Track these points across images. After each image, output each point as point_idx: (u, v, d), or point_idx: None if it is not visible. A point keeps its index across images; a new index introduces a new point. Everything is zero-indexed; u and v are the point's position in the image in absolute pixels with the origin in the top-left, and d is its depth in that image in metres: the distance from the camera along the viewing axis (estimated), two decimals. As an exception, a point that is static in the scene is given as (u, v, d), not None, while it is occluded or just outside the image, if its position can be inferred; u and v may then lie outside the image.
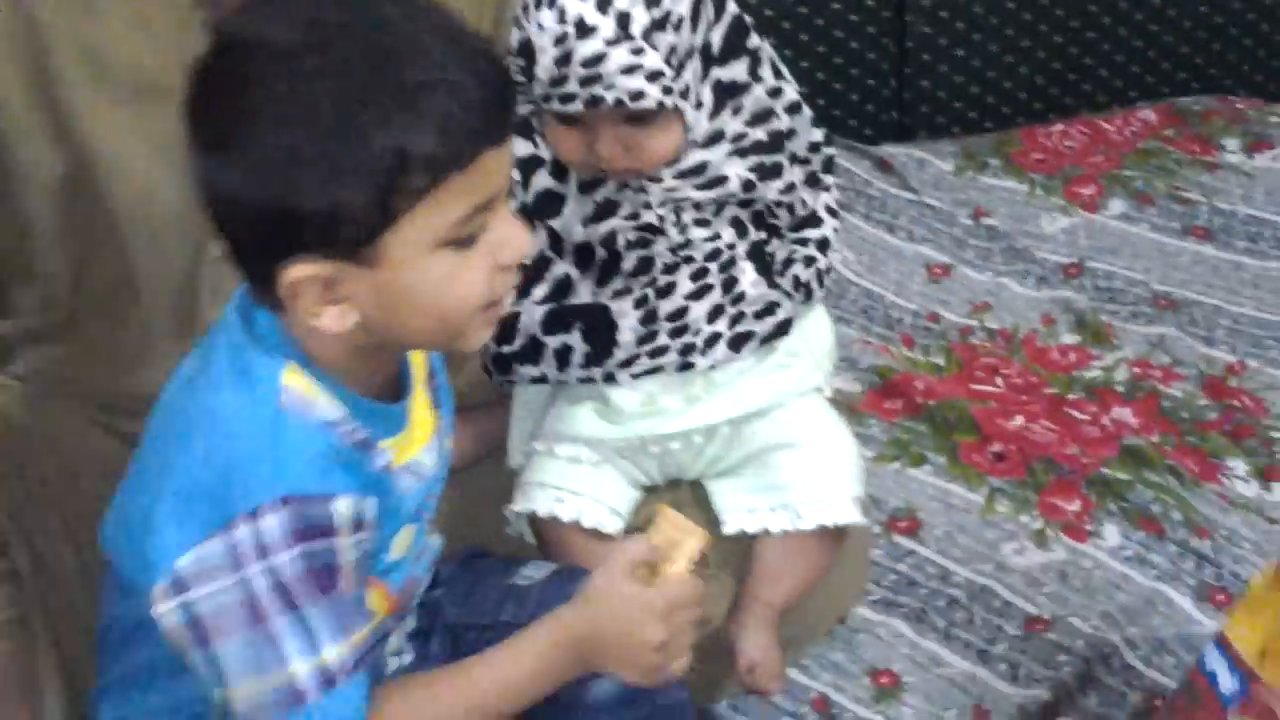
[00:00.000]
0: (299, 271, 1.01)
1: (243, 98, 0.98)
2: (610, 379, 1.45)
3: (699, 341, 1.44)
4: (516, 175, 1.41)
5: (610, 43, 1.30)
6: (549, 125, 1.37)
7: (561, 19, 1.29)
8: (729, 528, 1.53)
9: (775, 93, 1.43)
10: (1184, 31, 2.79)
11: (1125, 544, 1.80)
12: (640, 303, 1.43)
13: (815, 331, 1.57)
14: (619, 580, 1.16)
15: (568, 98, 1.31)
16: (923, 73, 2.72)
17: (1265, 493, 1.89)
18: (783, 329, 1.49)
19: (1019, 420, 2.00)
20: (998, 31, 2.72)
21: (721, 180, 1.41)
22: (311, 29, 0.99)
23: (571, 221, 1.41)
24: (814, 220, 1.51)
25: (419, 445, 1.17)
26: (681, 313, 1.43)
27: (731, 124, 1.41)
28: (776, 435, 1.49)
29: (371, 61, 0.97)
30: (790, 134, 1.46)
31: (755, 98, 1.42)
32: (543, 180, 1.41)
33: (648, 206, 1.40)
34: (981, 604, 1.74)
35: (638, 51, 1.30)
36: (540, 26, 1.30)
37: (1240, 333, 2.18)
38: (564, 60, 1.29)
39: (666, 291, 1.43)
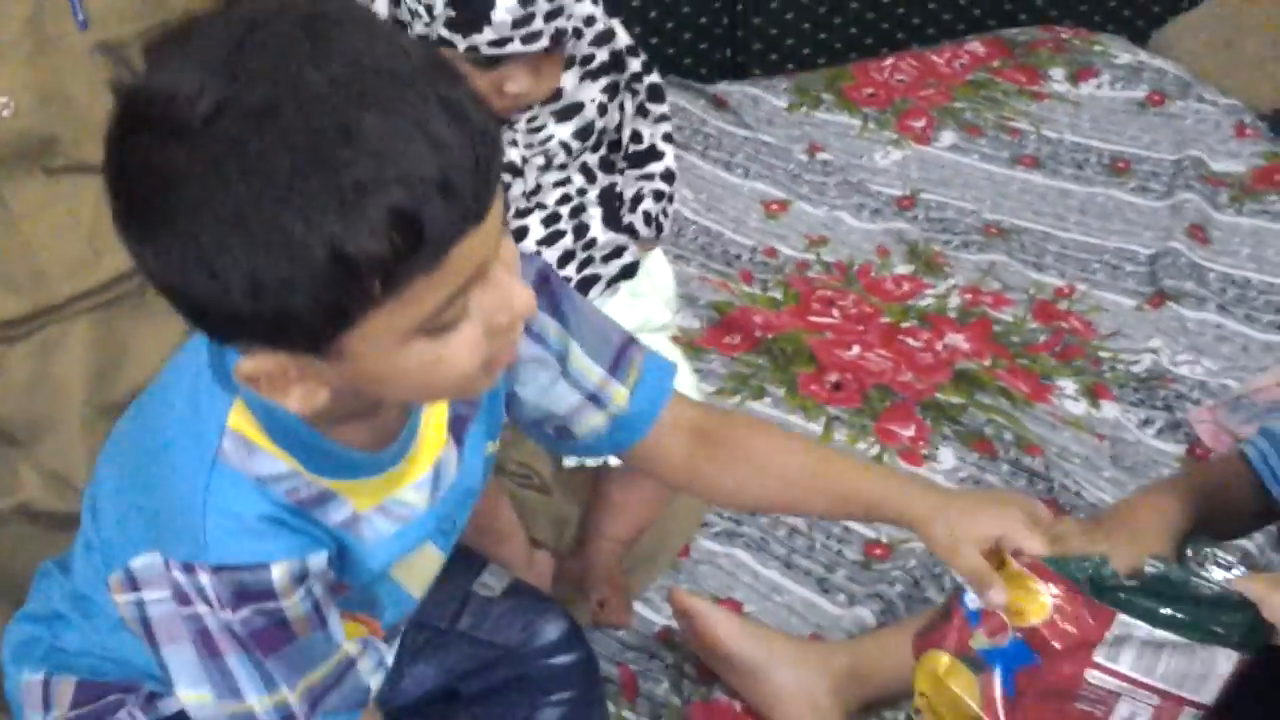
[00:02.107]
0: (253, 366, 0.90)
1: (160, 180, 0.83)
2: None
3: None
4: None
5: None
6: None
7: None
8: (570, 460, 1.54)
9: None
10: (1009, -36, 2.83)
11: (960, 465, 1.84)
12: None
13: (659, 273, 1.60)
14: None
15: (532, 36, 1.30)
16: (755, 9, 2.73)
17: (1094, 410, 1.94)
18: (628, 272, 1.52)
19: (855, 350, 2.03)
20: (828, -33, 2.74)
21: (579, 108, 1.42)
22: (232, 90, 0.82)
23: None
24: (654, 153, 1.54)
25: (404, 483, 1.07)
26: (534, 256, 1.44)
27: (579, 47, 1.42)
28: None
29: (306, 140, 0.81)
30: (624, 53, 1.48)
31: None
32: None
33: (513, 144, 1.40)
34: (821, 531, 1.76)
35: None
36: None
37: (1068, 257, 2.22)
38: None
39: (519, 236, 1.44)
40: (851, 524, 1.76)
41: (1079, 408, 1.94)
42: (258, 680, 1.03)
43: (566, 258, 1.47)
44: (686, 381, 1.57)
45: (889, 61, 2.67)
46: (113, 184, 0.87)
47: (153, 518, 1.02)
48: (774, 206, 2.36)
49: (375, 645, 1.12)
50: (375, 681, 1.11)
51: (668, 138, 1.55)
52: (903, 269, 2.20)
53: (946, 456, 1.86)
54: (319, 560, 1.02)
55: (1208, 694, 1.13)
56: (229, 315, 0.85)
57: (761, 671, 1.45)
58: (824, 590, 1.69)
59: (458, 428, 1.11)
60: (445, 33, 1.31)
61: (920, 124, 2.53)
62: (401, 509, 1.08)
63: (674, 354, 1.59)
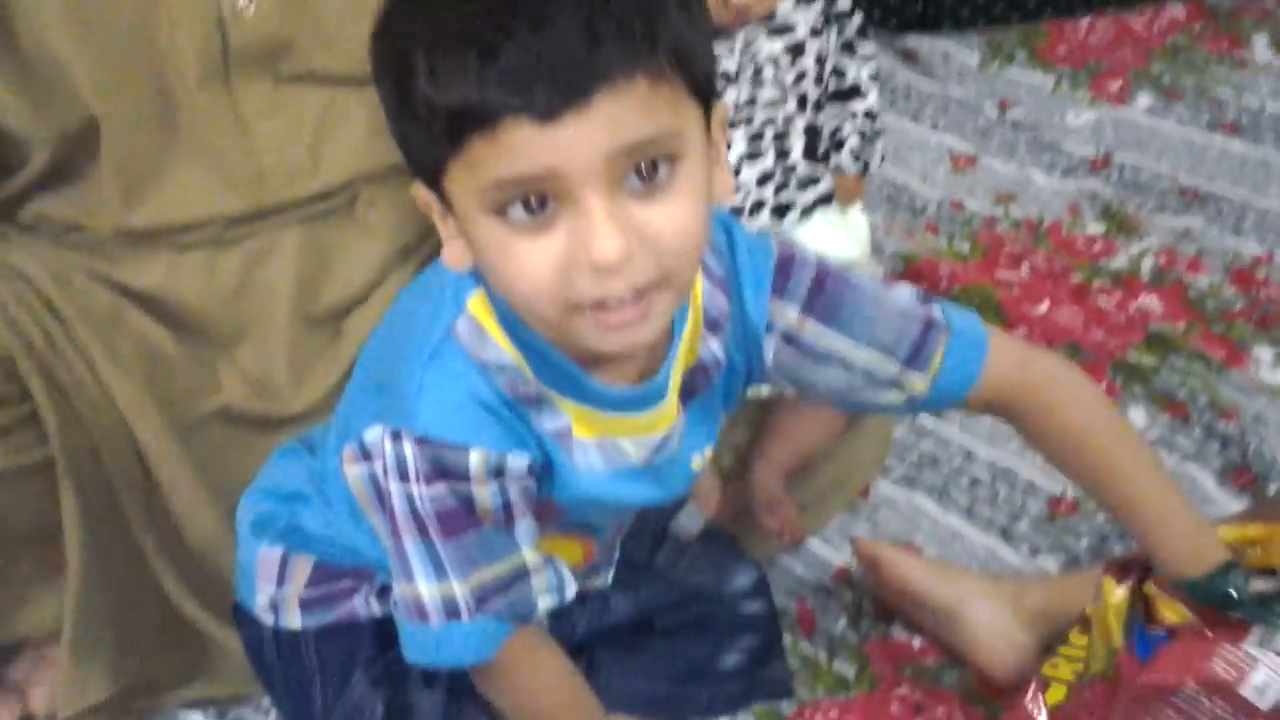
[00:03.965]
0: (417, 190, 0.98)
1: None
2: None
3: (746, 204, 1.45)
4: None
5: None
6: None
7: None
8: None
9: None
10: (1215, -72, 2.75)
11: (1151, 426, 1.80)
12: None
13: (856, 219, 1.59)
14: None
15: None
16: (949, -36, 2.68)
17: (1291, 380, 1.88)
18: (823, 200, 1.51)
19: (1044, 306, 1.99)
20: (1026, -77, 2.68)
21: (790, 28, 1.44)
22: None
23: None
24: (857, 91, 1.53)
25: (632, 433, 1.08)
26: (734, 173, 1.44)
27: None
28: None
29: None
30: None
31: None
32: None
33: (729, 53, 1.41)
34: (1005, 483, 1.73)
35: None
36: None
37: (1268, 226, 2.16)
38: None
39: None
40: (1034, 479, 1.73)
41: (1276, 376, 1.88)
42: (430, 567, 1.04)
43: (765, 178, 1.47)
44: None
45: (1085, 21, 2.61)
46: None
47: (383, 386, 1.04)
48: (962, 161, 2.32)
49: (558, 569, 1.11)
50: (546, 603, 1.10)
51: (873, 77, 1.54)
52: (1094, 228, 2.15)
53: (1137, 417, 1.81)
54: (518, 462, 1.02)
55: None
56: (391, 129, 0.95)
57: (955, 612, 1.43)
58: (1007, 539, 1.66)
59: (686, 398, 1.10)
60: None
61: (1116, 86, 2.47)
62: (617, 455, 1.08)
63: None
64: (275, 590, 1.21)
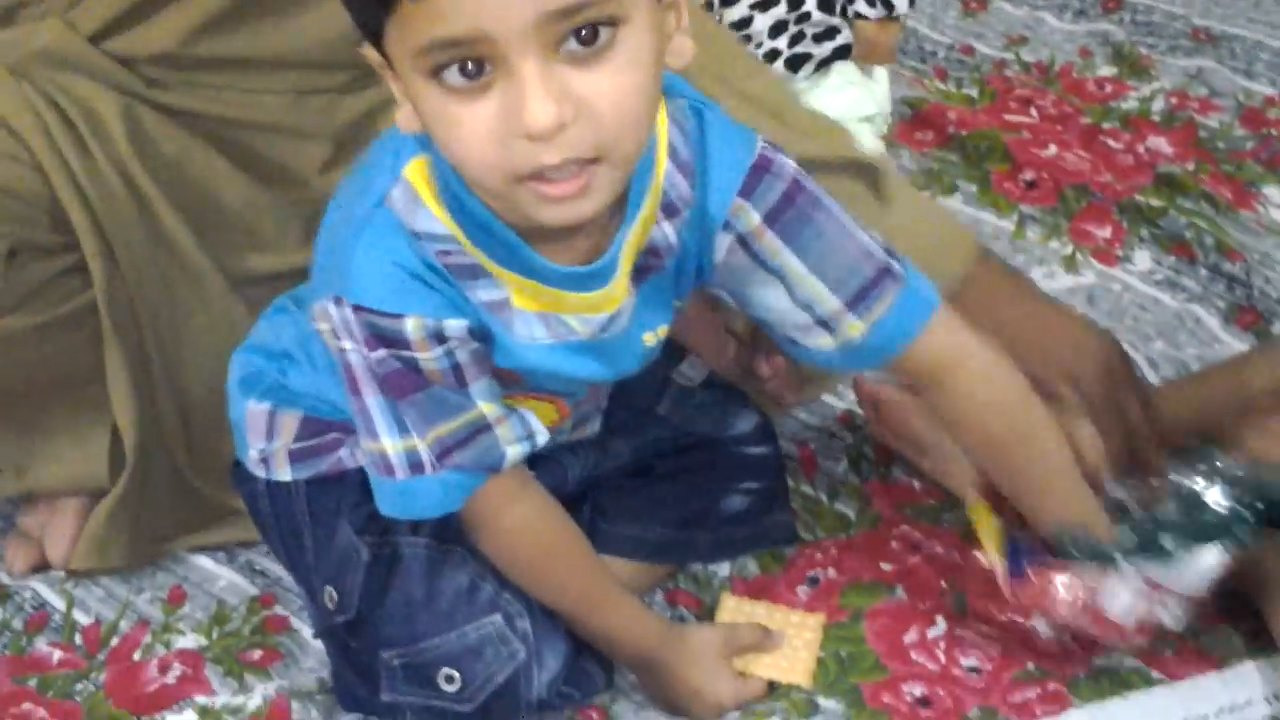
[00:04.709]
0: (369, 53, 0.97)
1: None
2: None
3: (759, 54, 1.44)
4: None
5: None
6: None
7: None
8: None
9: None
10: None
11: (1156, 268, 1.79)
12: (705, 8, 1.42)
13: (878, 75, 1.57)
14: (715, 654, 1.25)
15: None
16: None
17: (1299, 220, 1.87)
18: (840, 54, 1.49)
19: (1052, 149, 1.97)
20: None
21: None
22: None
23: None
24: None
25: (579, 310, 1.07)
26: (745, 22, 1.43)
27: None
28: None
29: None
30: None
31: None
32: None
33: None
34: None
35: None
36: None
37: (1281, 65, 2.14)
38: None
39: None
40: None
41: (1284, 216, 1.87)
42: (391, 423, 1.05)
43: (779, 28, 1.46)
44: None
45: None
46: None
47: (333, 249, 1.05)
48: (973, 4, 2.29)
49: (525, 418, 1.12)
50: (515, 452, 1.11)
51: None
52: (1106, 71, 2.13)
53: (1142, 259, 1.81)
54: (457, 326, 1.02)
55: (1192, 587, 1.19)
56: None
57: (953, 455, 1.43)
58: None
59: (638, 278, 1.09)
60: None
61: (1130, -75, 2.42)
62: (562, 329, 1.08)
63: (879, 148, 1.57)
64: (265, 444, 1.23)
